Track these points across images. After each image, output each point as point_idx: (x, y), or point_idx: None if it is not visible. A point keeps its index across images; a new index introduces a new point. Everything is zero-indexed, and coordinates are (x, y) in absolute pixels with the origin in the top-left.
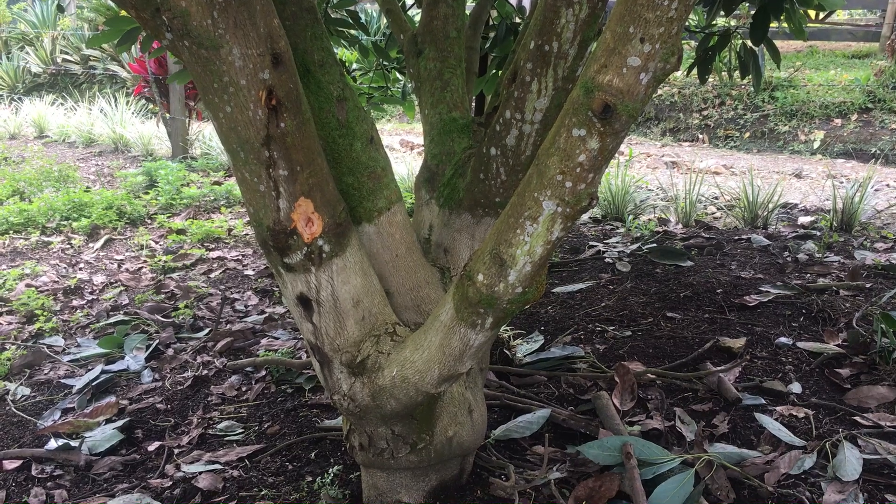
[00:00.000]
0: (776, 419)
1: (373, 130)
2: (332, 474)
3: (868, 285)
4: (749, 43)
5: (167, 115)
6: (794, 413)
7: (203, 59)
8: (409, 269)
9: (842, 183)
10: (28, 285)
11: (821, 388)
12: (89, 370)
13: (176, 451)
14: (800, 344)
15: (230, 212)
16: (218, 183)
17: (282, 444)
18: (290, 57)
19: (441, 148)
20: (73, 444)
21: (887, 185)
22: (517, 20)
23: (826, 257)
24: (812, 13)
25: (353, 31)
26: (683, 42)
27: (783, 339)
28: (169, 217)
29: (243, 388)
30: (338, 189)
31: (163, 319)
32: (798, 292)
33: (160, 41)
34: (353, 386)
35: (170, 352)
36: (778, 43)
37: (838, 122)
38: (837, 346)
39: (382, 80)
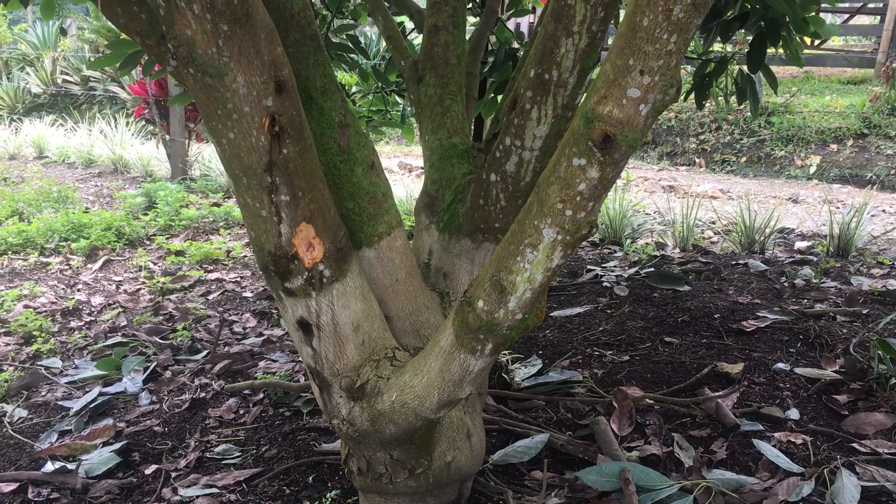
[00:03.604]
0: (774, 445)
1: (374, 156)
2: (329, 499)
3: (865, 311)
4: (746, 69)
5: (167, 136)
6: (792, 439)
7: (207, 86)
8: (409, 293)
9: (838, 208)
10: (26, 306)
11: (818, 415)
12: (87, 392)
13: (173, 474)
14: (797, 370)
15: (229, 233)
16: (217, 204)
17: (279, 468)
18: (293, 84)
19: (441, 173)
20: (70, 466)
21: (883, 211)
22: (516, 45)
23: (823, 283)
24: (808, 40)
25: (353, 55)
26: (681, 67)
27: (781, 365)
28: (168, 238)
29: (241, 411)
30: (339, 214)
31: (161, 341)
32: (795, 318)
33: (164, 67)
34: (352, 410)
35: (167, 374)
36: (774, 68)
37: (834, 147)
38: (835, 372)
39: (382, 103)
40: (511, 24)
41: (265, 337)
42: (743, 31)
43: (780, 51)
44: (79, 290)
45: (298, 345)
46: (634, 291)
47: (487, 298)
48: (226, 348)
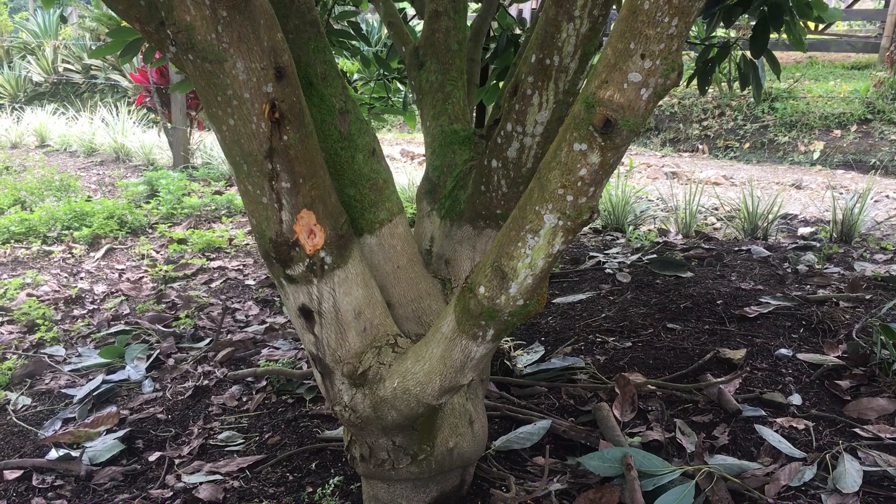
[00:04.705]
0: (776, 431)
1: (375, 142)
2: (332, 485)
3: (868, 297)
4: (749, 54)
5: (168, 124)
6: (794, 425)
7: (207, 72)
8: (411, 280)
9: (841, 194)
10: (29, 295)
11: (821, 400)
12: (90, 380)
13: (176, 461)
14: (800, 355)
15: (231, 221)
16: (219, 192)
17: (282, 455)
18: (293, 70)
19: (442, 160)
20: (74, 454)
21: (887, 196)
22: (518, 31)
23: (826, 269)
24: (812, 25)
25: (354, 42)
26: (684, 53)
27: (783, 351)
28: (170, 226)
29: (244, 399)
30: (340, 201)
31: (164, 329)
32: (798, 304)
33: (164, 53)
34: (354, 397)
35: (170, 362)
36: (777, 54)
37: (838, 132)
38: (837, 357)
39: (384, 90)
40: (513, 10)
41: (268, 324)
42: (746, 15)
43: (784, 36)
44: (81, 279)
45: (300, 332)
46: (637, 278)
47: (489, 284)
48: (228, 336)
